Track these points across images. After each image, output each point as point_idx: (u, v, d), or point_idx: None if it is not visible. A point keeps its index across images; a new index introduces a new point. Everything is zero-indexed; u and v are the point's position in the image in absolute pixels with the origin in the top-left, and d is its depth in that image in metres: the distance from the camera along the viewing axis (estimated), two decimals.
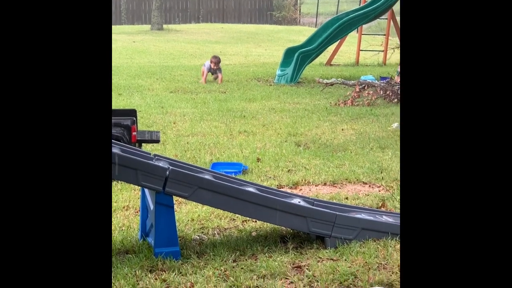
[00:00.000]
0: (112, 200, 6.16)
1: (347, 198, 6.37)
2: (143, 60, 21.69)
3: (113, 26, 36.96)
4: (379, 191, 6.70)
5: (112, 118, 7.21)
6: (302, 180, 7.05)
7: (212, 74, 16.26)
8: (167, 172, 4.64)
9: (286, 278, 4.47)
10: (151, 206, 4.83)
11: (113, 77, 16.38)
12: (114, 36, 30.00)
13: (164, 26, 36.24)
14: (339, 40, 19.14)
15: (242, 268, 4.58)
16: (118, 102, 12.53)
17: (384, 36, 21.60)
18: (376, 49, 21.56)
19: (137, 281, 4.37)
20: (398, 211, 5.82)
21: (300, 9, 45.12)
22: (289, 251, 4.91)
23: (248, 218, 5.55)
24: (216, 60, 16.14)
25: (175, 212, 5.16)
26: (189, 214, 5.76)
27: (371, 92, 12.95)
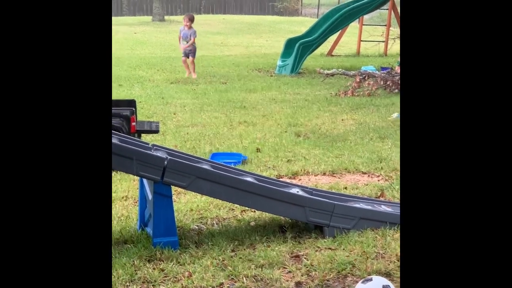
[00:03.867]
0: (112, 190, 6.17)
1: (346, 188, 6.37)
2: (144, 51, 21.70)
3: (114, 18, 36.94)
4: (378, 180, 6.70)
5: (112, 108, 7.22)
6: (301, 170, 7.05)
7: (186, 40, 15.34)
8: (165, 162, 4.63)
9: (284, 268, 4.47)
10: (150, 196, 4.83)
11: (114, 68, 16.38)
12: (115, 28, 29.99)
13: (166, 17, 36.24)
14: (340, 31, 19.14)
15: (240, 258, 4.59)
16: (118, 93, 12.54)
17: (385, 27, 21.58)
18: (377, 39, 21.55)
19: (135, 270, 4.37)
20: (397, 200, 5.83)
21: (301, 0, 45.06)
22: (287, 240, 4.91)
23: (247, 208, 5.55)
24: (188, 17, 15.40)
25: (174, 202, 5.17)
26: (188, 204, 5.76)
27: (371, 82, 12.96)
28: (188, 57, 15.32)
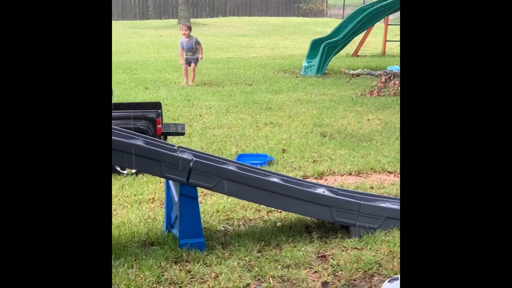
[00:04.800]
0: (138, 193, 6.21)
1: (372, 188, 6.36)
2: (170, 54, 21.73)
3: (140, 21, 37.19)
4: None
5: (137, 111, 7.29)
6: (327, 170, 7.05)
7: (190, 51, 14.78)
8: (191, 164, 4.65)
9: (311, 268, 4.48)
10: (176, 198, 4.84)
11: (140, 71, 16.47)
12: (141, 31, 30.18)
13: (192, 20, 36.32)
14: (365, 31, 19.08)
15: (266, 258, 4.60)
16: (144, 95, 12.59)
17: None
18: None
19: (162, 272, 4.39)
20: None
21: (327, 1, 44.96)
22: (313, 240, 4.91)
23: (273, 209, 5.55)
24: (186, 26, 14.82)
25: (200, 204, 5.19)
26: (214, 205, 5.77)
27: (397, 82, 12.91)
28: (190, 65, 14.72)
